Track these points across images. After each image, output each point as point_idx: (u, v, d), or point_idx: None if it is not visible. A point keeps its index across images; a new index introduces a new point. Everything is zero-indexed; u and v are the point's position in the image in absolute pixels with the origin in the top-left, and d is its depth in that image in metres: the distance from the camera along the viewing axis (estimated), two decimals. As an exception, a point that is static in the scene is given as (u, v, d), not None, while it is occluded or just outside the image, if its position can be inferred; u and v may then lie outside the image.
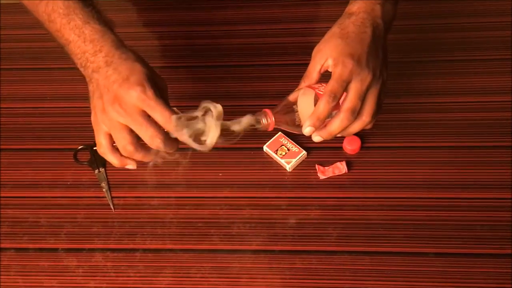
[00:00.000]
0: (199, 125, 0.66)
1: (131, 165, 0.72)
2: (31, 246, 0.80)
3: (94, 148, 0.86)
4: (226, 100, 0.92)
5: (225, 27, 1.04)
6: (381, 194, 0.81)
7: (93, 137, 0.86)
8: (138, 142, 0.67)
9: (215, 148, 0.68)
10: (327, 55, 0.71)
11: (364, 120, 0.71)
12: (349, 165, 0.83)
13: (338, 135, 0.73)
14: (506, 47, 0.95)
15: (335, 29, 0.73)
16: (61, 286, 0.76)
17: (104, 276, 0.77)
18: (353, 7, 0.74)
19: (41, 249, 0.79)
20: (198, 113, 0.66)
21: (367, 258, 0.76)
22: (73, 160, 0.87)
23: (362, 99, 0.70)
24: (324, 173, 0.83)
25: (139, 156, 0.69)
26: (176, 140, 0.68)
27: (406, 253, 0.76)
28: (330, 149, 0.82)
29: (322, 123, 0.70)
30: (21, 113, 0.94)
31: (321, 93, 0.69)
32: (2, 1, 1.05)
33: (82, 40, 0.70)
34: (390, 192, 0.81)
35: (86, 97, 0.72)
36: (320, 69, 0.72)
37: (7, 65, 1.00)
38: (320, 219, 0.79)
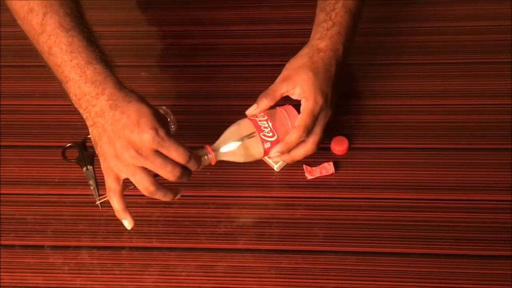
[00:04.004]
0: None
1: (128, 223, 0.70)
2: (17, 243, 0.79)
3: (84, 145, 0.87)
4: (214, 100, 0.93)
5: (214, 27, 1.04)
6: (368, 195, 0.81)
7: (81, 134, 0.88)
8: (158, 181, 0.68)
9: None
10: (297, 83, 0.76)
11: (312, 149, 0.78)
12: (336, 165, 0.83)
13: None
14: (506, 50, 0.96)
15: (305, 61, 0.78)
16: (47, 283, 0.76)
17: (90, 274, 0.76)
18: (320, 44, 0.78)
19: (27, 246, 0.79)
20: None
21: (353, 258, 0.76)
22: (61, 158, 0.87)
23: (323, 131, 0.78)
24: (311, 173, 0.83)
25: (160, 194, 0.69)
26: (189, 170, 0.70)
27: (393, 253, 0.76)
28: (318, 150, 0.82)
29: (289, 150, 0.77)
30: (9, 110, 0.94)
31: (264, 133, 0.76)
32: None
33: (83, 81, 0.68)
34: (378, 192, 0.81)
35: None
36: (284, 93, 0.77)
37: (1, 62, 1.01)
38: (307, 219, 0.80)
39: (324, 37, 0.78)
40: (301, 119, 0.75)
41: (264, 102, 0.78)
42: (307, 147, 0.77)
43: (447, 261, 0.75)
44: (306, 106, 0.75)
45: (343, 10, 0.79)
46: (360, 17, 0.82)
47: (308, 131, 0.76)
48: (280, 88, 0.77)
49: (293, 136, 0.75)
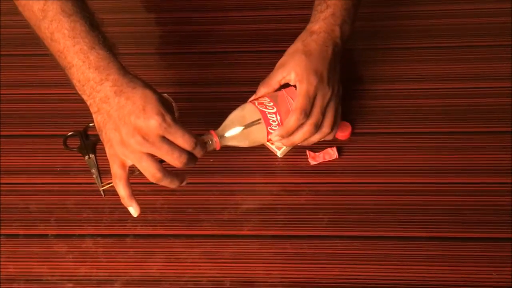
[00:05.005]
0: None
1: (134, 210, 0.70)
2: (21, 232, 0.79)
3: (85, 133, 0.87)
4: (215, 86, 0.93)
5: (214, 14, 1.04)
6: (372, 180, 0.81)
7: (83, 123, 0.88)
8: (164, 168, 0.67)
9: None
10: (291, 69, 0.76)
11: (324, 131, 0.78)
12: (340, 151, 0.83)
13: (299, 145, 0.79)
14: (506, 33, 0.96)
15: (298, 45, 0.78)
16: (51, 272, 0.76)
17: (95, 262, 0.76)
18: (314, 26, 0.78)
19: (31, 235, 0.79)
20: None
21: (358, 243, 0.76)
22: (63, 147, 0.86)
23: (324, 113, 0.76)
24: (315, 159, 0.83)
25: (167, 181, 0.68)
26: (195, 156, 0.70)
27: (397, 237, 0.76)
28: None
29: (289, 135, 0.76)
30: (10, 99, 0.93)
31: (272, 126, 0.76)
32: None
33: (87, 66, 0.67)
34: (381, 177, 0.81)
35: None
36: (281, 80, 0.77)
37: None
38: (311, 204, 0.80)
39: (318, 20, 0.78)
40: (297, 102, 0.75)
41: (261, 91, 0.78)
42: (304, 130, 0.76)
43: (450, 244, 0.75)
44: (300, 88, 0.75)
45: None
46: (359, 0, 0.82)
47: (306, 113, 0.75)
48: (276, 75, 0.78)
49: (292, 119, 0.75)
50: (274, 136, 0.76)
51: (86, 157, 0.85)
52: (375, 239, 0.76)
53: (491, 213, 0.78)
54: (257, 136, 0.76)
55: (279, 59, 0.80)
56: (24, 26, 0.75)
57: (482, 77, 0.91)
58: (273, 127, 0.76)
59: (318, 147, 0.83)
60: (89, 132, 0.88)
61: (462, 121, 0.86)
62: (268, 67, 0.80)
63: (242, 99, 0.80)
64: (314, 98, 0.75)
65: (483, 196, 0.79)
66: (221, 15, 1.04)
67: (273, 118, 0.76)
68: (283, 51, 0.80)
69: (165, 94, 0.86)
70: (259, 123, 0.76)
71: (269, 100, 0.77)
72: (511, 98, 0.88)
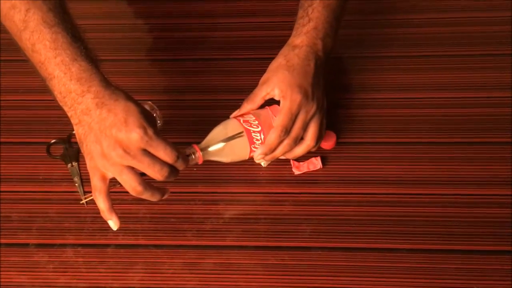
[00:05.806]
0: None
1: (113, 223, 0.69)
2: (1, 241, 0.78)
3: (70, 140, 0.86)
4: (203, 94, 0.92)
5: (203, 20, 1.03)
6: (356, 190, 0.80)
7: (66, 130, 0.87)
8: (145, 181, 0.67)
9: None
10: (275, 85, 0.76)
11: (309, 145, 0.78)
12: (324, 160, 0.83)
13: (282, 157, 0.80)
14: (506, 42, 0.95)
15: (281, 60, 0.78)
16: (31, 282, 0.75)
17: (75, 272, 0.76)
18: (296, 40, 0.79)
19: (11, 244, 0.78)
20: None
21: (341, 254, 0.75)
22: (46, 154, 0.86)
23: (305, 127, 0.77)
24: (299, 168, 0.82)
25: (148, 194, 0.68)
26: (177, 169, 0.69)
27: (380, 249, 0.75)
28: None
29: (272, 152, 0.77)
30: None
31: (255, 144, 0.76)
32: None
33: (68, 78, 0.67)
34: (366, 188, 0.81)
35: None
36: (265, 96, 0.78)
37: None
38: (294, 215, 0.79)
39: (300, 34, 0.78)
40: (278, 119, 0.75)
41: (245, 107, 0.78)
42: (284, 144, 0.77)
43: (441, 256, 0.74)
44: (283, 105, 0.75)
45: (321, 6, 0.79)
46: (343, 11, 0.82)
47: (287, 131, 0.75)
48: (260, 91, 0.78)
49: (272, 136, 0.75)
50: (257, 155, 0.77)
51: (69, 165, 0.84)
52: (359, 250, 0.75)
53: (490, 225, 0.77)
54: (239, 152, 0.77)
55: (266, 66, 0.79)
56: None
57: (481, 86, 0.90)
58: (256, 146, 0.76)
59: (302, 156, 0.82)
60: (73, 140, 0.87)
61: (461, 131, 0.85)
62: (258, 74, 0.79)
63: (230, 107, 0.79)
64: (297, 114, 0.75)
65: (482, 208, 0.78)
66: (210, 21, 1.04)
67: (257, 137, 0.76)
68: (272, 59, 0.79)
69: (149, 102, 0.86)
70: (241, 136, 0.75)
71: (254, 118, 0.77)
72: (511, 108, 0.87)
